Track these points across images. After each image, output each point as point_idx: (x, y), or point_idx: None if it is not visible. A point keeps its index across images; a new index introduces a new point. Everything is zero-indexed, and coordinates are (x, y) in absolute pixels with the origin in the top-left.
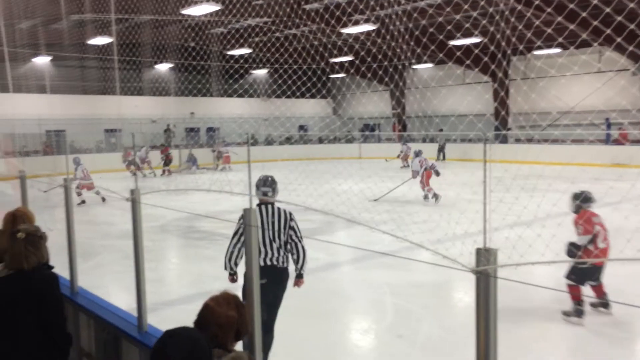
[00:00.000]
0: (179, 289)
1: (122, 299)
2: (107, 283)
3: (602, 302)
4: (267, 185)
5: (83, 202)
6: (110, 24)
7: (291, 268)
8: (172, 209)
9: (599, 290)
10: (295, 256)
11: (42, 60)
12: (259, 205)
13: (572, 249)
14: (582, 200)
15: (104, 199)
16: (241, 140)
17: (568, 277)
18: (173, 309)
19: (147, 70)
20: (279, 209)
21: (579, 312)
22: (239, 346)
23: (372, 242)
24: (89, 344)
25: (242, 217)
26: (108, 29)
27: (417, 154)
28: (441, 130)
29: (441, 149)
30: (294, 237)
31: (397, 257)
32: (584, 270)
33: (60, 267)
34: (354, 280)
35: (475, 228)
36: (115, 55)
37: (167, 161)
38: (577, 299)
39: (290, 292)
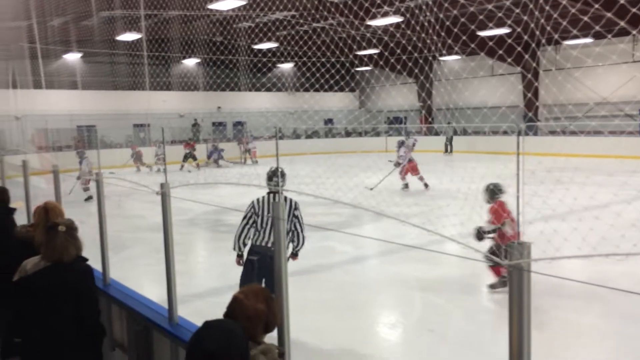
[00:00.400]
0: (207, 281)
1: (152, 291)
2: (137, 275)
3: (503, 281)
4: (277, 176)
5: (90, 197)
6: (139, 20)
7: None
8: (201, 202)
9: (497, 270)
10: (295, 243)
11: (73, 57)
12: (268, 193)
13: (480, 234)
14: (496, 191)
15: (90, 198)
16: (268, 134)
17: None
18: (202, 301)
19: (175, 66)
20: (285, 198)
21: (504, 283)
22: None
23: (400, 235)
24: (121, 334)
25: (252, 204)
26: (137, 25)
27: (401, 144)
28: (449, 123)
29: (449, 142)
30: (297, 226)
31: (425, 251)
32: (500, 253)
33: (92, 260)
34: (381, 273)
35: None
36: (145, 50)
37: (193, 156)
38: (499, 274)
39: (319, 286)
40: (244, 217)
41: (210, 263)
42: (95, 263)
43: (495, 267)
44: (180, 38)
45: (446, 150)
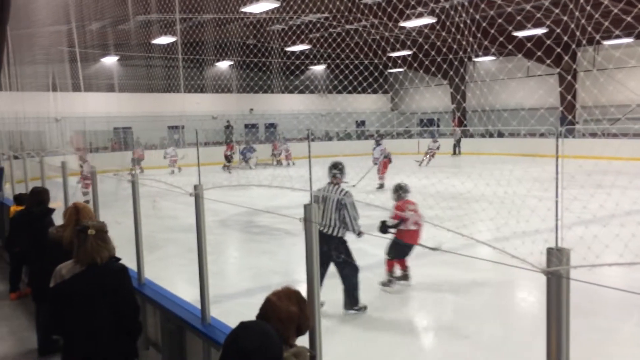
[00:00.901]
0: (239, 282)
1: (185, 290)
2: (171, 275)
3: (404, 275)
4: (336, 168)
5: (87, 201)
6: (175, 23)
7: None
8: (233, 203)
9: (402, 263)
10: (350, 227)
11: (110, 60)
12: (329, 183)
13: (383, 227)
14: (402, 191)
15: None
16: (301, 136)
17: (387, 253)
18: (234, 301)
19: (209, 68)
20: (341, 189)
21: (391, 282)
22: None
23: (432, 238)
24: (155, 333)
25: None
26: (172, 29)
27: (378, 142)
28: (455, 126)
29: (457, 144)
30: (345, 213)
31: (458, 255)
32: (398, 248)
33: (127, 259)
34: (414, 277)
35: (546, 226)
36: (180, 53)
37: (229, 158)
38: (392, 270)
39: None
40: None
41: (242, 264)
42: (130, 263)
43: (390, 262)
44: (214, 41)
45: (454, 152)
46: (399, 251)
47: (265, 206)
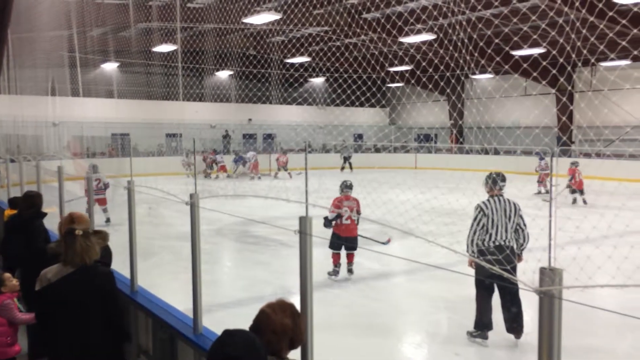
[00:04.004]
0: (232, 292)
1: (178, 299)
2: (164, 283)
3: (336, 271)
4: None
5: (108, 221)
6: (175, 32)
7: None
8: (229, 213)
9: (350, 257)
10: (521, 240)
11: (110, 67)
12: (491, 196)
13: (326, 222)
14: (343, 187)
15: (108, 220)
16: (298, 147)
17: (330, 247)
18: (227, 311)
19: (208, 77)
20: (509, 200)
21: (336, 273)
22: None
23: (427, 254)
24: (146, 341)
25: (480, 208)
26: (173, 37)
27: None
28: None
29: (346, 160)
30: (521, 224)
31: (450, 271)
32: (333, 242)
33: (120, 266)
34: (407, 292)
35: (540, 245)
36: (179, 62)
37: (210, 165)
38: (336, 263)
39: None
40: (475, 220)
41: (236, 274)
42: (124, 269)
43: (336, 254)
44: (214, 50)
45: (343, 167)
46: (333, 243)
47: (261, 216)
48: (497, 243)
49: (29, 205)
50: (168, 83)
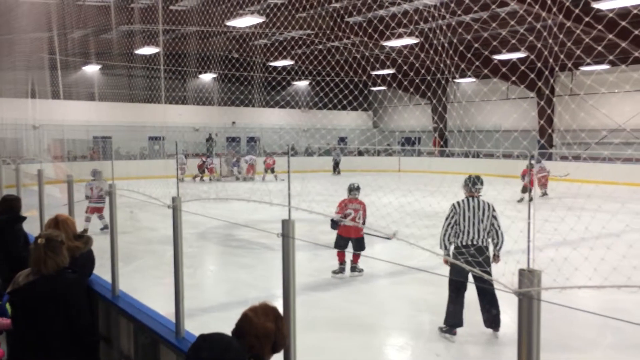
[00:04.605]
0: (215, 296)
1: (160, 303)
2: (146, 287)
3: (342, 268)
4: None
5: (85, 230)
6: (158, 34)
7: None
8: (212, 217)
9: (355, 257)
10: (495, 241)
11: (92, 69)
12: (467, 197)
13: (332, 223)
14: (352, 190)
15: (106, 227)
16: (281, 150)
17: (335, 246)
18: (210, 315)
19: (191, 80)
20: (483, 201)
21: (342, 270)
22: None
23: (410, 257)
24: (128, 346)
25: (453, 207)
26: (155, 40)
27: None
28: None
29: (336, 165)
30: (495, 224)
31: (432, 273)
32: (337, 241)
33: (102, 270)
34: (390, 294)
35: (518, 247)
36: (162, 65)
37: (201, 170)
38: (340, 261)
39: (328, 305)
40: (447, 218)
41: (219, 277)
42: (105, 274)
43: (340, 253)
44: (197, 53)
45: (334, 172)
46: (337, 243)
47: (245, 220)
48: (466, 243)
49: (7, 208)
50: (150, 86)
